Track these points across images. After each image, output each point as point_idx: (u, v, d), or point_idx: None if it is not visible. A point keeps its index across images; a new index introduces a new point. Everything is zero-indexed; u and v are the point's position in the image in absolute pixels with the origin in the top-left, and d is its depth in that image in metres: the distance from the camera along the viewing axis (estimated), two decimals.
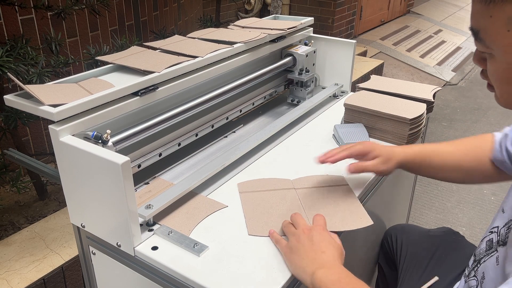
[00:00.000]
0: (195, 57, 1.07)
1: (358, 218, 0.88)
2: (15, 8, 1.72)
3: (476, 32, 0.61)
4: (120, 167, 0.73)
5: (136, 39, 1.93)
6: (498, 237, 0.77)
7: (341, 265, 0.75)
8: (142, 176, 1.04)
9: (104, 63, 1.05)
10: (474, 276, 0.81)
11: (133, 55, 1.08)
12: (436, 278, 1.03)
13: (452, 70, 4.39)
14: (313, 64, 1.45)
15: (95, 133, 0.85)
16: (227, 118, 1.25)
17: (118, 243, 0.84)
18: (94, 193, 0.82)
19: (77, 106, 0.82)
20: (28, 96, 0.84)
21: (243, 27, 1.35)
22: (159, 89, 0.98)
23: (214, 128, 1.21)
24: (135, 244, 0.82)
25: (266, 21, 1.44)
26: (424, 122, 1.20)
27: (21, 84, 0.84)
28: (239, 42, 1.17)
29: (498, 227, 0.79)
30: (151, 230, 0.86)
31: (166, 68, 0.99)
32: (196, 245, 0.81)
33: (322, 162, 0.94)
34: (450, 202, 2.38)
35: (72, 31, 2.08)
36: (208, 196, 0.97)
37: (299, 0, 4.14)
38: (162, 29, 2.27)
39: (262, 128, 1.20)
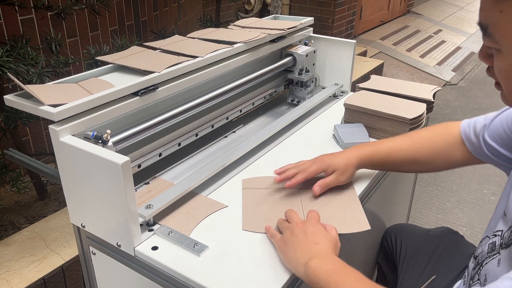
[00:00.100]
0: (195, 57, 1.07)
1: (356, 222, 0.88)
2: (15, 8, 1.72)
3: (484, 27, 0.61)
4: (120, 167, 0.73)
5: (136, 39, 1.92)
6: (502, 240, 0.77)
7: (335, 255, 0.75)
8: (142, 176, 1.04)
9: (104, 63, 1.05)
10: (478, 280, 0.81)
11: (133, 55, 1.08)
12: (433, 277, 1.03)
13: (452, 70, 4.39)
14: (313, 64, 1.44)
15: (95, 133, 0.85)
16: (227, 118, 1.25)
17: (118, 243, 0.84)
18: (94, 193, 0.82)
19: (77, 106, 0.82)
20: (28, 96, 0.84)
21: (243, 27, 1.35)
22: (159, 89, 0.98)
23: (214, 128, 1.21)
24: (135, 244, 0.82)
25: (266, 21, 1.44)
26: (424, 122, 1.20)
27: (21, 84, 0.84)
28: (239, 42, 1.17)
29: (502, 231, 0.78)
30: (151, 230, 0.86)
31: (166, 68, 0.99)
32: (196, 245, 0.82)
33: (279, 181, 0.96)
34: (450, 202, 2.38)
35: (72, 31, 2.08)
36: (208, 196, 0.97)
37: (299, 0, 4.14)
38: (162, 29, 2.26)
39: (262, 128, 1.20)
